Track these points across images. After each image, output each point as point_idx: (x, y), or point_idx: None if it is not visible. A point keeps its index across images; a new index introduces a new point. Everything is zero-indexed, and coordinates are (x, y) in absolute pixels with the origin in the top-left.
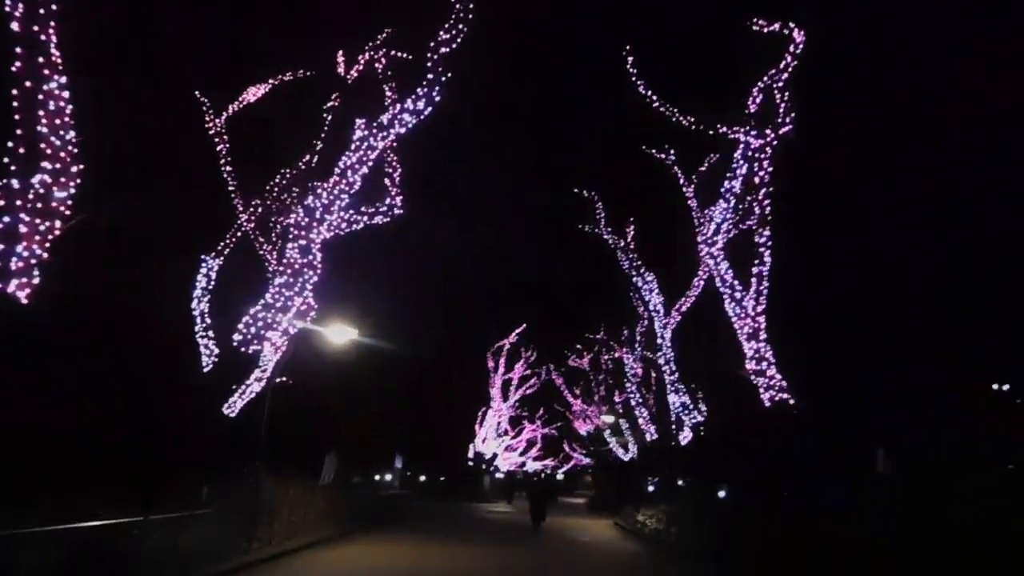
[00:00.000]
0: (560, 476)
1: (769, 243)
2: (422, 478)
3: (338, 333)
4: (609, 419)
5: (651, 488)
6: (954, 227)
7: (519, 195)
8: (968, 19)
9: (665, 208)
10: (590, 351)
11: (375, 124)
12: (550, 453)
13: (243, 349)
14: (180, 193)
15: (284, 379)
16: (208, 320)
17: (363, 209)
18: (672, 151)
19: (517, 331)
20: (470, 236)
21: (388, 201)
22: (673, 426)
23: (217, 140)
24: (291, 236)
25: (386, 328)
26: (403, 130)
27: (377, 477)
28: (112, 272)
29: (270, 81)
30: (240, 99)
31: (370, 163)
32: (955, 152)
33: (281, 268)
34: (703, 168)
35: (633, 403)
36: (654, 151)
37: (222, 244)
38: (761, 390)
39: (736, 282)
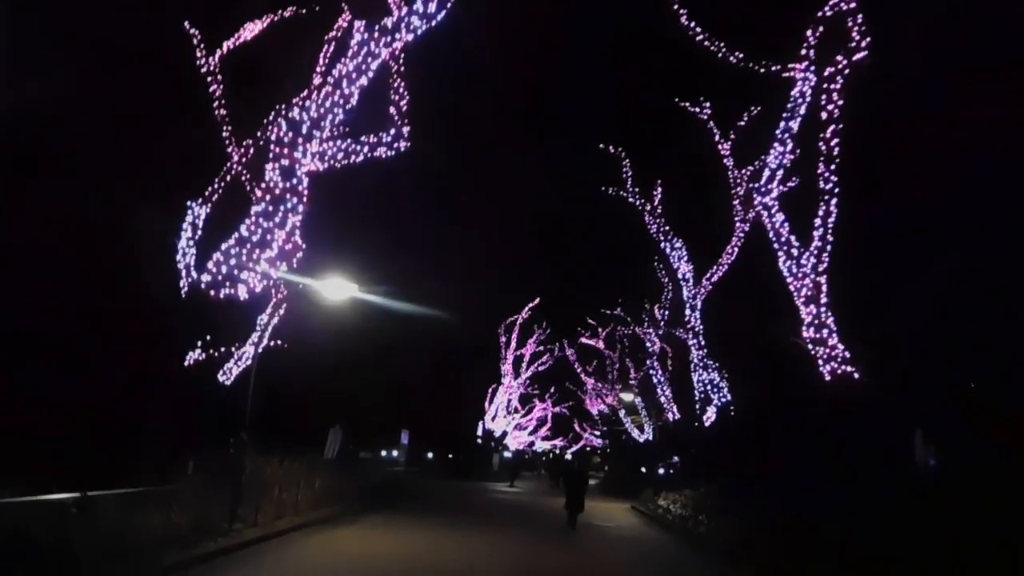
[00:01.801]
0: (568, 456)
1: (836, 190)
2: (430, 455)
3: (335, 288)
4: (627, 397)
5: (661, 471)
6: None
7: (537, 152)
8: None
9: (696, 169)
10: (605, 328)
11: (377, 27)
12: (559, 432)
13: (213, 293)
14: (159, 130)
15: (279, 342)
16: (195, 275)
17: (363, 139)
18: (707, 104)
19: (530, 305)
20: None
21: (393, 132)
22: (698, 405)
23: (210, 79)
24: (271, 155)
25: (396, 287)
26: (411, 37)
27: (384, 453)
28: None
29: (269, 17)
30: (236, 36)
31: (370, 73)
32: None
33: (259, 194)
34: (742, 123)
35: (655, 380)
36: (687, 104)
37: (210, 190)
38: (820, 362)
39: (793, 237)
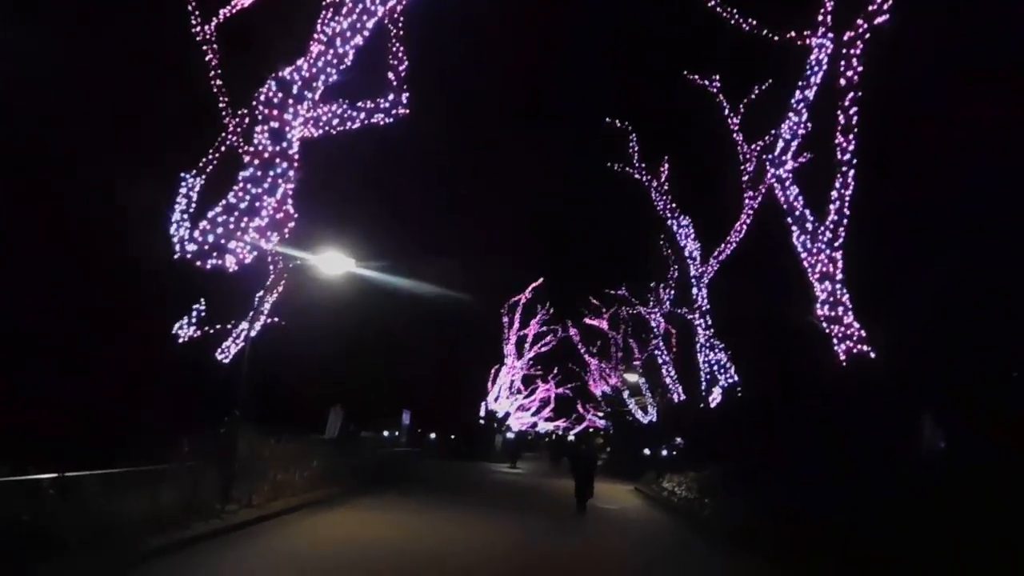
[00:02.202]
0: (571, 437)
1: (854, 161)
2: (432, 435)
3: (331, 262)
4: (632, 377)
5: (664, 452)
6: None
7: (540, 131)
8: None
9: (704, 145)
10: (609, 309)
11: None
12: (562, 414)
13: (199, 263)
14: (152, 101)
15: (276, 319)
16: (189, 249)
17: (360, 105)
18: (716, 77)
19: (533, 285)
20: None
21: (391, 98)
22: (704, 386)
23: (205, 48)
24: (260, 117)
25: (395, 263)
26: None
27: (386, 433)
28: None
29: None
30: (232, 3)
31: (365, 32)
32: None
33: (248, 158)
34: (753, 95)
35: (660, 361)
36: (696, 77)
37: (205, 160)
38: (835, 341)
39: (808, 211)
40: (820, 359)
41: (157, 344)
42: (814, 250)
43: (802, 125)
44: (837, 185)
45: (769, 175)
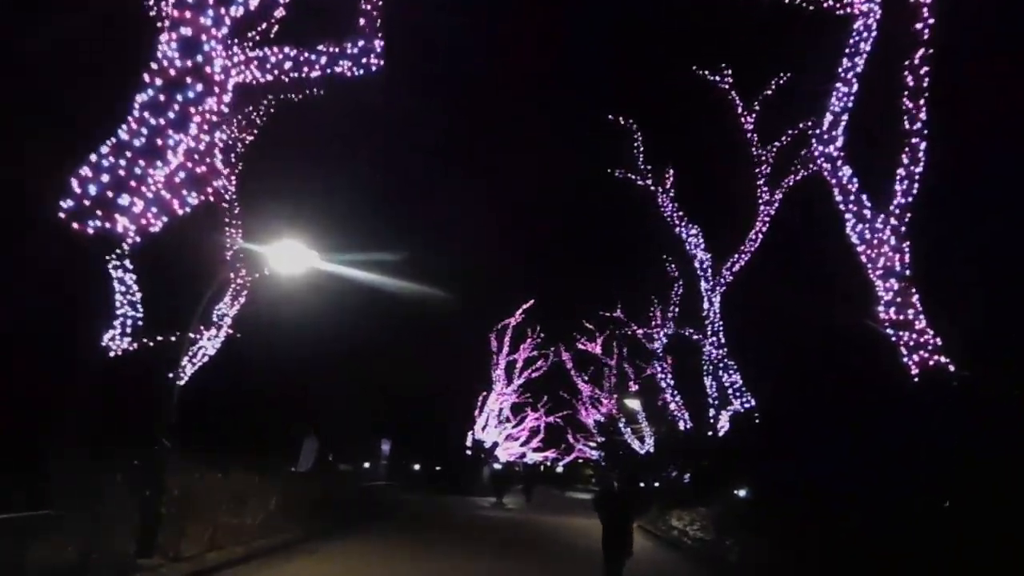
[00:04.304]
0: (560, 469)
1: (926, 132)
2: (416, 467)
3: (287, 255)
4: (631, 403)
5: (656, 484)
6: None
7: (535, 131)
8: None
9: (715, 147)
10: (602, 333)
11: None
12: (551, 444)
13: (77, 225)
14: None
15: (231, 331)
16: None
17: (321, 48)
18: (728, 71)
19: (524, 306)
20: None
21: (362, 44)
22: (712, 412)
23: None
24: (166, 21)
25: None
26: None
27: (367, 464)
28: None
29: None
30: None
31: None
32: None
33: (147, 78)
34: (768, 92)
35: (663, 385)
36: (706, 72)
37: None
38: (903, 351)
39: (864, 196)
40: (885, 372)
41: (70, 357)
42: (875, 241)
43: (851, 96)
44: (905, 160)
45: (817, 154)
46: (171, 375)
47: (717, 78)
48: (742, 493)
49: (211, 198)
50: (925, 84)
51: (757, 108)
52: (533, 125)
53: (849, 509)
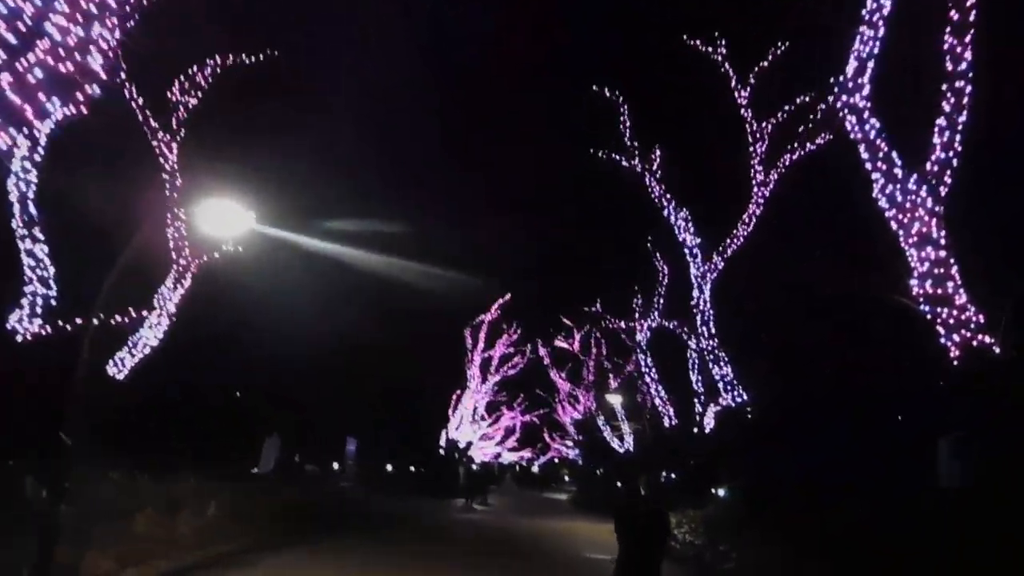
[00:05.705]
0: (535, 469)
1: (971, 74)
2: (389, 467)
3: (218, 214)
4: (612, 399)
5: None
6: None
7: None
8: None
9: (706, 123)
10: (581, 329)
11: None
12: (527, 443)
13: None
14: None
15: (171, 316)
16: (35, 212)
17: None
18: (721, 42)
19: (500, 301)
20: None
21: None
22: (698, 409)
23: None
24: None
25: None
26: None
27: (336, 465)
28: None
29: None
30: None
31: None
32: None
33: None
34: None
35: (647, 379)
36: (697, 42)
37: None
38: (939, 329)
39: (895, 153)
40: (922, 354)
41: None
42: (907, 205)
43: (877, 40)
44: (947, 109)
45: (840, 106)
46: (82, 362)
47: (709, 48)
48: (733, 493)
49: (83, 109)
50: (972, 18)
51: (752, 82)
52: (527, 116)
53: (847, 501)
